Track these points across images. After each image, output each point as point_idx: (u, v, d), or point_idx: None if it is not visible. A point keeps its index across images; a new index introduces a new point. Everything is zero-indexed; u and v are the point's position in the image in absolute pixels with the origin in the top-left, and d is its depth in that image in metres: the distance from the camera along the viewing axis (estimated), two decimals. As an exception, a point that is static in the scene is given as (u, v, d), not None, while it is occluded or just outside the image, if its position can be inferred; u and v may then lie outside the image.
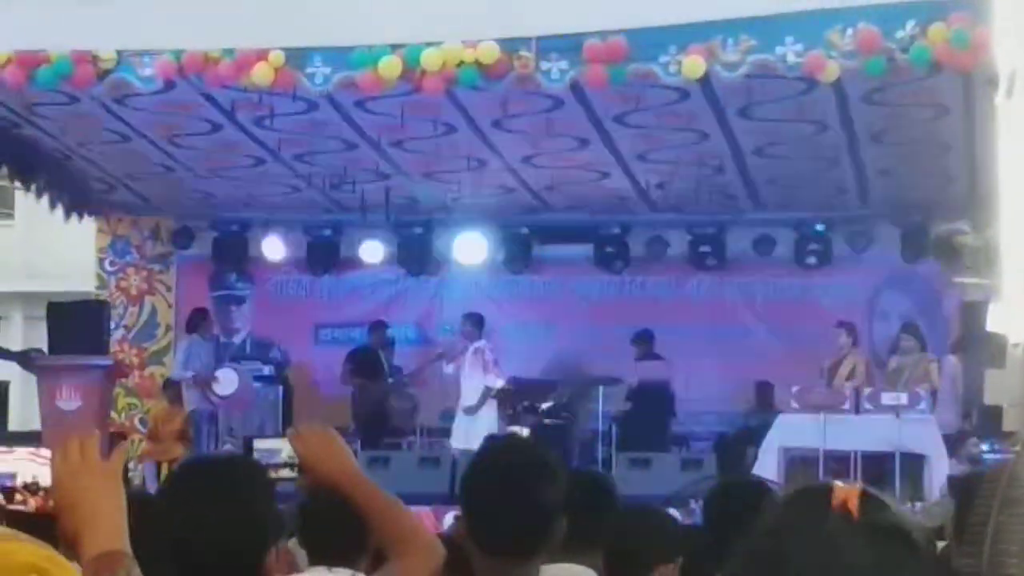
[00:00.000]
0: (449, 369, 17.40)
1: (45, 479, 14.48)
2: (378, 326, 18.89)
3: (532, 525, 3.46)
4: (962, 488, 4.77)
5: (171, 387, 18.28)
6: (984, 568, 2.26)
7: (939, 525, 6.23)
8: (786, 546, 1.87)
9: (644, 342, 18.11)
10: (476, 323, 17.50)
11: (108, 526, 2.55)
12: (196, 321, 18.69)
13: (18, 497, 13.63)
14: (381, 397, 18.32)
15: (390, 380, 18.57)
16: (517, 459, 3.60)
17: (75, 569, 2.03)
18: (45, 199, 17.71)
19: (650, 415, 17.58)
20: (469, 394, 17.01)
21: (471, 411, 16.90)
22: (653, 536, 4.46)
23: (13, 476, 16.18)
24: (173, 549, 2.61)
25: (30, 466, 16.30)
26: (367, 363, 18.43)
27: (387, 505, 3.43)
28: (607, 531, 4.39)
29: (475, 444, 16.17)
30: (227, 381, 17.59)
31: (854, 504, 1.87)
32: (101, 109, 14.91)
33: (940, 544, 4.22)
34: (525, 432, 16.70)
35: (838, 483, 1.90)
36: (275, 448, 14.95)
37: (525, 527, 3.45)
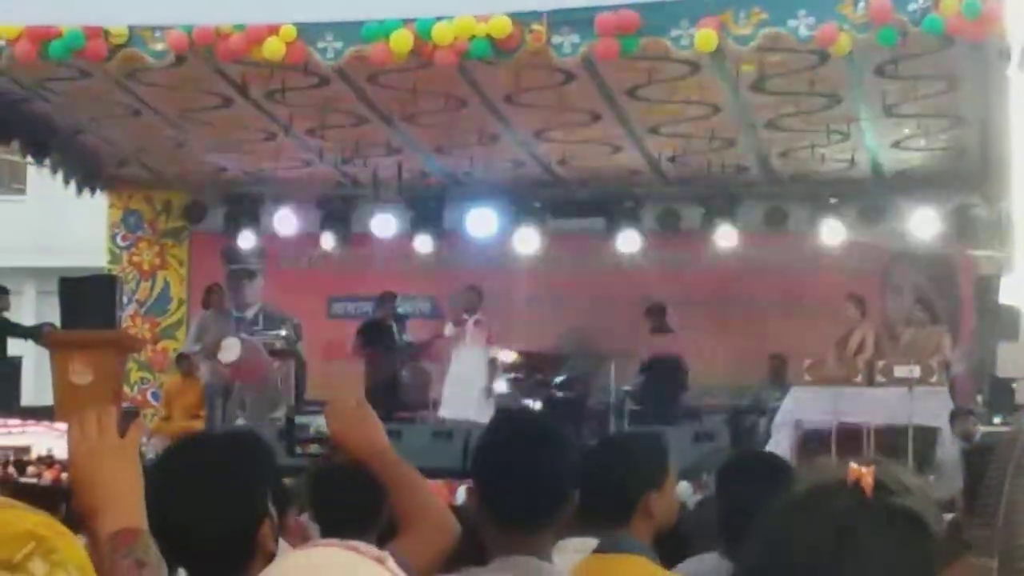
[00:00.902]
0: (449, 331, 17.49)
1: (59, 452, 14.54)
2: (386, 297, 18.81)
3: (543, 498, 3.46)
4: (973, 458, 4.76)
5: (185, 361, 18.29)
6: (997, 538, 2.25)
7: (949, 498, 6.23)
8: (798, 528, 1.86)
9: (656, 315, 18.08)
10: (478, 294, 17.56)
11: (125, 503, 2.54)
12: (210, 296, 18.72)
13: (31, 470, 13.67)
14: (392, 369, 18.29)
15: (401, 352, 18.55)
16: (529, 432, 3.59)
17: (75, 538, 2.03)
18: (58, 174, 17.74)
19: (662, 388, 17.56)
20: (473, 367, 17.09)
21: (487, 392, 17.03)
22: (638, 463, 4.16)
23: (28, 449, 16.25)
24: (161, 524, 2.61)
25: (45, 439, 16.37)
26: (376, 334, 18.38)
27: (410, 482, 3.44)
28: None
29: (468, 413, 16.38)
30: (229, 348, 17.48)
31: (868, 484, 1.86)
32: (112, 84, 14.92)
33: (948, 516, 4.22)
34: (537, 405, 16.74)
35: (853, 464, 1.89)
36: (304, 423, 15.06)
37: (536, 500, 3.45)
